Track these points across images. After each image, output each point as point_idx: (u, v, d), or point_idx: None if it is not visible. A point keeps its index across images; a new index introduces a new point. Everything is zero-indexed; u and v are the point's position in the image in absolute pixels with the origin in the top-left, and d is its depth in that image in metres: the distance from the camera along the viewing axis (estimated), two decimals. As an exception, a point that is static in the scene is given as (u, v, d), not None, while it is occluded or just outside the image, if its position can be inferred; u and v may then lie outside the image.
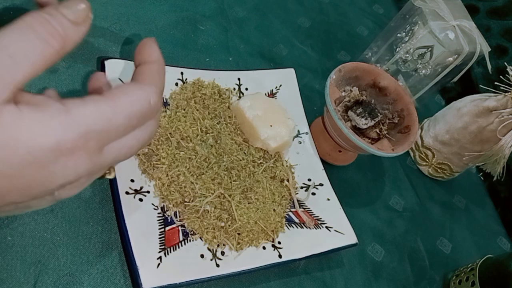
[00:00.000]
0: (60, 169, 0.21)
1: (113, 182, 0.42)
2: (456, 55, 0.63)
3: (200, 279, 0.41)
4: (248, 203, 0.47)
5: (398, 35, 0.68)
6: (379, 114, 0.55)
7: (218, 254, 0.44)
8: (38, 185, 0.21)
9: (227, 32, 0.65)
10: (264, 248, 0.46)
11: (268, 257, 0.46)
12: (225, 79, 0.56)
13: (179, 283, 0.39)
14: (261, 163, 0.51)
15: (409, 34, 0.67)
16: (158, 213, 0.43)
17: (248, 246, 0.46)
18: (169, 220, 0.44)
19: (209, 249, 0.44)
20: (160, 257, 0.40)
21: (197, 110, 0.50)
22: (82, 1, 0.23)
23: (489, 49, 0.65)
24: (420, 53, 0.66)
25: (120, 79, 0.47)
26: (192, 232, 0.44)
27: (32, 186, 0.21)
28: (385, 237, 0.59)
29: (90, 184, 0.42)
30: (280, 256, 0.46)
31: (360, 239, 0.51)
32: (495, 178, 0.62)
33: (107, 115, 0.22)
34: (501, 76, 0.58)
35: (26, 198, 0.21)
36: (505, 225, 0.73)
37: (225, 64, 0.61)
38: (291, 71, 0.60)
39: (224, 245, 0.45)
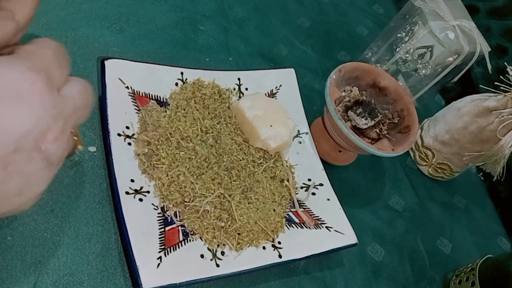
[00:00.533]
0: (24, 104, 0.21)
1: (113, 182, 0.42)
2: (456, 55, 0.63)
3: (200, 279, 0.41)
4: (248, 203, 0.47)
5: (398, 35, 0.68)
6: (379, 114, 0.55)
7: (218, 254, 0.44)
8: (13, 126, 0.20)
9: (227, 32, 0.65)
10: (264, 248, 0.46)
11: (268, 257, 0.46)
12: (225, 79, 0.56)
13: (179, 283, 0.39)
14: (261, 163, 0.51)
15: (409, 34, 0.67)
16: (158, 213, 0.43)
17: (248, 246, 0.46)
18: (169, 220, 0.44)
19: (209, 249, 0.44)
20: (160, 257, 0.40)
21: (197, 110, 0.50)
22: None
23: (489, 49, 0.65)
24: (420, 53, 0.66)
25: (120, 79, 0.47)
26: (192, 232, 0.44)
27: (6, 131, 0.20)
28: (385, 237, 0.59)
29: (90, 184, 0.43)
30: (280, 256, 0.46)
31: (360, 239, 0.51)
32: (495, 178, 0.62)
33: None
34: (501, 76, 0.58)
35: (7, 146, 0.21)
36: (505, 225, 0.73)
37: (225, 64, 0.61)
38: (291, 71, 0.60)
39: (224, 245, 0.45)
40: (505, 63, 0.60)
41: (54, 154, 0.23)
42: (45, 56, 0.23)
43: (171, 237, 0.42)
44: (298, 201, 0.52)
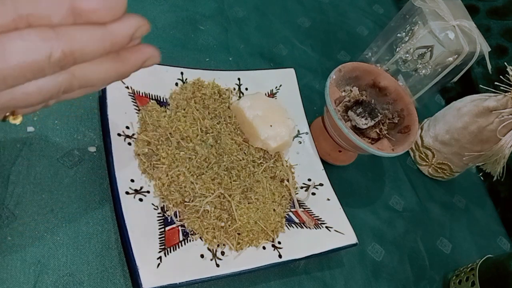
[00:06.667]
0: None
1: (113, 182, 0.42)
2: (456, 55, 0.63)
3: (200, 279, 0.41)
4: (248, 203, 0.47)
5: (398, 35, 0.68)
6: (379, 114, 0.55)
7: (218, 254, 0.44)
8: None
9: (227, 32, 0.65)
10: (264, 248, 0.46)
11: (268, 257, 0.46)
12: (225, 79, 0.56)
13: (179, 283, 0.39)
14: (261, 163, 0.51)
15: (409, 34, 0.67)
16: (158, 213, 0.43)
17: (248, 246, 0.46)
18: (169, 220, 0.44)
19: (209, 249, 0.44)
20: (160, 257, 0.40)
21: (197, 110, 0.50)
22: None
23: (489, 49, 0.65)
24: (420, 53, 0.66)
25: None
26: (192, 232, 0.44)
27: None
28: (385, 237, 0.59)
29: (90, 184, 0.43)
30: (280, 256, 0.46)
31: (360, 239, 0.51)
32: (495, 178, 0.62)
33: None
34: (501, 76, 0.58)
35: None
36: (505, 225, 0.73)
37: (225, 64, 0.61)
38: (291, 71, 0.60)
39: (224, 245, 0.45)
40: (505, 63, 0.60)
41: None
42: None
43: (171, 237, 0.42)
44: (298, 201, 0.52)
